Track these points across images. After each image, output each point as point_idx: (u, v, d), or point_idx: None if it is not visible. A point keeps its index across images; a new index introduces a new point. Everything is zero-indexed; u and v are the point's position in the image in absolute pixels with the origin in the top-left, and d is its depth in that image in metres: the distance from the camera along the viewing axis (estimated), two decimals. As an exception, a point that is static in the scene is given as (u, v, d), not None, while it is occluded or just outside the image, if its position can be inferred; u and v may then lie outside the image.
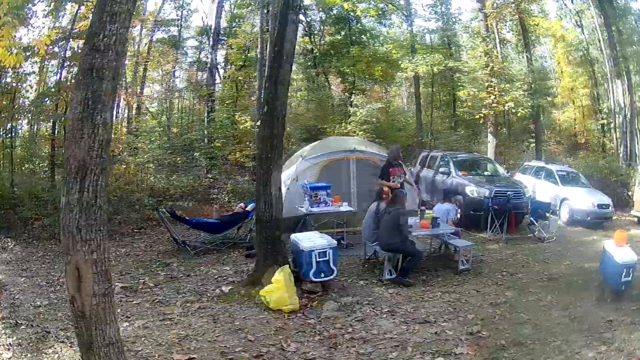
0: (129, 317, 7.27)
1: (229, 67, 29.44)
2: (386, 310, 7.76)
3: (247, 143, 21.64)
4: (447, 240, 10.87)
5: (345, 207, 11.46)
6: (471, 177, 16.38)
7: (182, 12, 28.87)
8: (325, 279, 8.11)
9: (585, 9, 28.05)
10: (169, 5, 28.09)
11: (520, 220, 15.12)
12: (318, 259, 7.96)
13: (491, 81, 22.02)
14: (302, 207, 11.51)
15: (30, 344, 5.97)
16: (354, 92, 26.75)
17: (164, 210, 11.72)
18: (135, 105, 25.43)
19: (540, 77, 28.59)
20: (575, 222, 16.81)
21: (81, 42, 14.17)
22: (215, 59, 24.19)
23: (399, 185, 11.25)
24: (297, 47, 26.27)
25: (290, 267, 8.26)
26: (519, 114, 23.08)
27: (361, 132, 21.93)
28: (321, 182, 11.99)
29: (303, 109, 29.29)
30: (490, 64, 22.30)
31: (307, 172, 12.63)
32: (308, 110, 28.70)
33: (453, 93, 25.96)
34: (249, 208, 11.85)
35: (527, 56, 25.50)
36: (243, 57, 27.74)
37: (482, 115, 22.81)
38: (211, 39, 24.43)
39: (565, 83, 31.10)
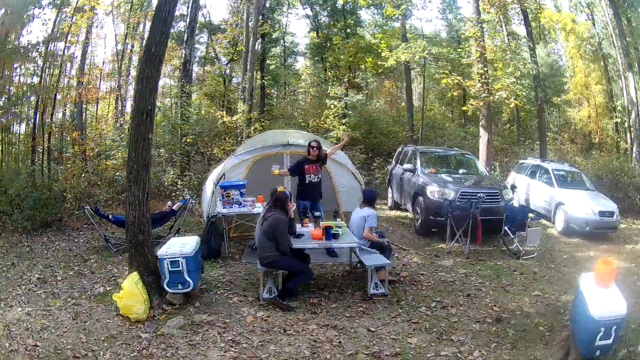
0: (25, 304, 7.23)
1: (216, 62, 28.03)
2: (229, 339, 6.19)
3: (226, 138, 19.53)
4: (359, 255, 8.12)
5: (259, 208, 9.42)
6: (440, 175, 13.24)
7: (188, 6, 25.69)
8: (181, 290, 6.92)
9: (596, 2, 25.44)
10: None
11: (498, 229, 11.35)
12: (171, 269, 6.80)
13: (481, 68, 18.41)
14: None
15: None
16: (348, 86, 24.31)
17: (88, 207, 10.92)
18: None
19: (552, 73, 26.32)
20: (571, 232, 13.50)
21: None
22: (190, 53, 21.65)
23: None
24: (305, 42, 27.24)
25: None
26: (511, 105, 19.71)
27: (342, 127, 19.76)
28: (238, 180, 10.36)
29: (307, 105, 27.18)
30: (479, 50, 18.62)
31: (236, 170, 10.90)
32: (312, 107, 26.36)
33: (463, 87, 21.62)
34: (174, 207, 10.89)
35: (529, 46, 21.45)
36: (232, 51, 26.19)
37: (470, 106, 19.38)
38: (186, 32, 22.14)
39: (577, 79, 27.54)
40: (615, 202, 14.19)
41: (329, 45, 25.72)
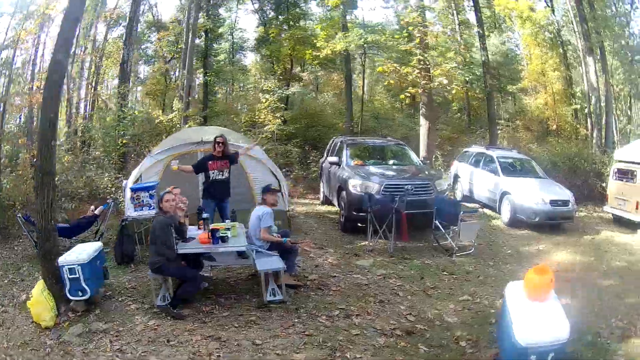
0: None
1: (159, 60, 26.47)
2: (117, 348, 5.55)
3: (164, 137, 17.39)
4: (255, 258, 6.99)
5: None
6: (367, 167, 11.64)
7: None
8: (81, 298, 6.42)
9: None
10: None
11: (429, 223, 9.87)
12: (69, 276, 6.35)
13: (420, 54, 16.57)
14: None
15: None
16: (288, 78, 23.22)
17: (19, 215, 10.00)
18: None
19: (506, 61, 25.01)
20: (519, 224, 12.04)
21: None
22: (128, 54, 19.96)
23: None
24: (253, 36, 25.39)
25: None
26: (453, 91, 17.89)
27: (277, 120, 18.70)
28: (150, 182, 9.56)
29: (253, 100, 24.80)
30: (418, 36, 16.86)
31: (152, 170, 10.00)
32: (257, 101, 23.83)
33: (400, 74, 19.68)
34: (97, 211, 9.97)
35: (479, 32, 19.84)
36: (174, 48, 24.85)
37: (408, 94, 17.96)
38: (125, 33, 20.82)
39: (533, 66, 25.98)
40: (572, 190, 12.84)
41: (270, 38, 24.08)
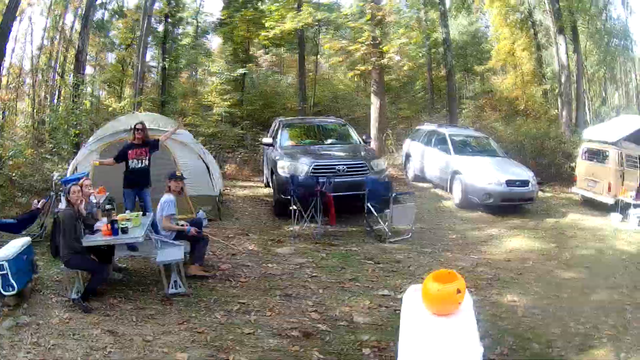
0: None
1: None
2: (34, 341, 5.13)
3: None
4: (158, 249, 6.47)
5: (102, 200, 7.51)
6: (300, 147, 10.67)
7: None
8: (10, 293, 6.03)
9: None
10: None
11: (362, 206, 8.76)
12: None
13: (372, 31, 15.04)
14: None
15: None
16: (245, 61, 21.21)
17: None
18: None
19: (475, 41, 23.85)
20: (471, 205, 10.62)
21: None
22: (83, 44, 18.75)
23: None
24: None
25: None
26: (405, 67, 17.05)
27: (226, 103, 17.66)
28: (81, 173, 8.65)
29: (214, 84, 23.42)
30: (369, 11, 15.24)
31: (88, 160, 9.30)
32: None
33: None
34: (39, 205, 8.95)
35: (440, 9, 19.17)
36: (131, 35, 23.33)
37: (358, 72, 16.71)
38: (81, 23, 19.54)
39: (501, 46, 24.60)
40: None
41: (227, 20, 22.46)
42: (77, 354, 4.89)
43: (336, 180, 8.69)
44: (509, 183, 10.17)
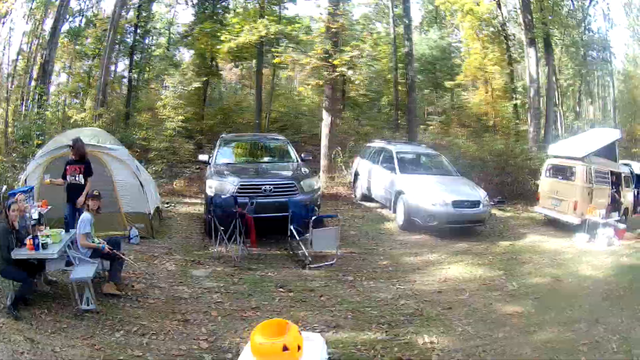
0: None
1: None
2: None
3: None
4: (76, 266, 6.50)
5: (35, 214, 7.22)
6: (233, 165, 10.02)
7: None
8: None
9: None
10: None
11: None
12: None
13: (328, 44, 14.08)
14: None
15: None
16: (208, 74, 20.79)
17: None
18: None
19: (444, 56, 23.23)
20: (416, 228, 9.53)
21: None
22: (50, 54, 18.66)
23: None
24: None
25: None
26: (357, 82, 16.31)
27: (180, 117, 16.56)
28: (24, 187, 8.32)
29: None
30: (324, 24, 14.40)
31: (36, 173, 8.95)
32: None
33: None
34: None
35: (404, 22, 18.27)
36: (100, 45, 22.65)
37: (307, 86, 16.62)
38: (48, 33, 19.33)
39: (471, 61, 23.89)
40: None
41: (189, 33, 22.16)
42: (4, 355, 5.10)
43: (260, 201, 8.16)
44: (456, 204, 9.22)
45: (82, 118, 16.99)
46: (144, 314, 6.02)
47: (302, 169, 9.79)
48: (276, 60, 14.40)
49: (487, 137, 18.25)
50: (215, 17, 21.00)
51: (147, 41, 25.35)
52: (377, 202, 11.54)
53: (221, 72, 22.79)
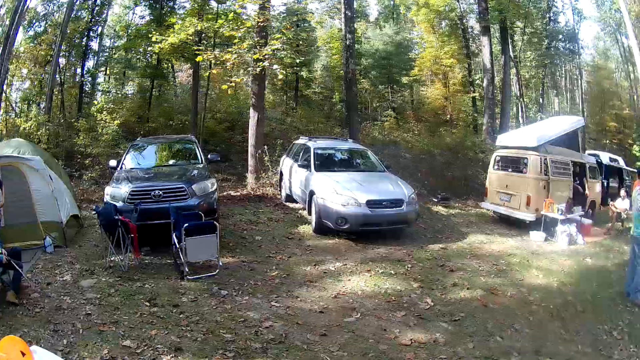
0: None
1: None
2: None
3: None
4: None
5: None
6: (137, 170, 9.04)
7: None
8: None
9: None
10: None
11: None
12: None
13: (252, 39, 12.93)
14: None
15: None
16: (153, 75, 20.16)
17: None
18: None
19: (399, 51, 21.79)
20: (329, 231, 8.18)
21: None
22: (2, 67, 17.38)
23: None
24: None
25: None
26: (280, 76, 14.84)
27: (117, 122, 15.88)
28: None
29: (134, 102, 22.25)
30: (247, 19, 13.39)
31: None
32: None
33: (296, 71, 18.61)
34: None
35: (345, 14, 16.63)
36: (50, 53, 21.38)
37: (231, 85, 15.15)
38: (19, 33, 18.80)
39: (425, 54, 23.25)
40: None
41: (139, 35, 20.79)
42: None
43: (144, 207, 7.40)
44: (372, 204, 7.90)
45: (26, 128, 16.25)
46: (29, 322, 5.52)
47: (201, 172, 8.73)
48: (198, 58, 13.23)
49: (443, 131, 17.45)
50: (160, 20, 19.69)
51: (102, 44, 24.33)
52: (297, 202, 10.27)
53: (177, 73, 22.07)
